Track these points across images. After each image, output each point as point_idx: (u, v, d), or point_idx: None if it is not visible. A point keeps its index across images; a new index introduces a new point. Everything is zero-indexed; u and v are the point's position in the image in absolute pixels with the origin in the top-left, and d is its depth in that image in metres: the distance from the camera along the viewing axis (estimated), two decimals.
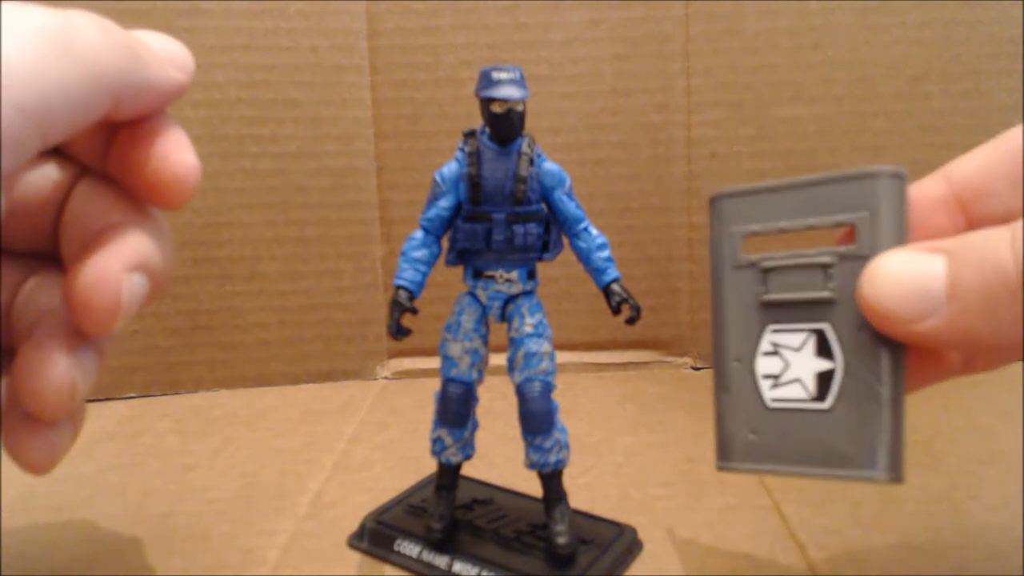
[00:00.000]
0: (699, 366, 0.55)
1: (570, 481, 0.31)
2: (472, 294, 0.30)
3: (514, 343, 0.30)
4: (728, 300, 0.25)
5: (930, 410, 0.44)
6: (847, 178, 0.22)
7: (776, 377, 0.23)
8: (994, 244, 0.19)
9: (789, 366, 0.23)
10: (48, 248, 0.25)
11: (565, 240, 0.30)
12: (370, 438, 0.44)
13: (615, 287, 0.29)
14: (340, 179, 0.53)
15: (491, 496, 0.35)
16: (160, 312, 0.52)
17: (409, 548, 0.31)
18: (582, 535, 0.31)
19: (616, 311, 0.30)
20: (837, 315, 0.22)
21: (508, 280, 0.30)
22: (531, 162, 0.29)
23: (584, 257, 0.30)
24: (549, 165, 0.29)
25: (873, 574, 0.29)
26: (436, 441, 0.31)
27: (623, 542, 0.31)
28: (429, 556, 0.30)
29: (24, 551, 0.33)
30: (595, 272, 0.30)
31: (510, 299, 0.30)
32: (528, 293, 0.30)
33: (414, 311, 0.29)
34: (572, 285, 0.54)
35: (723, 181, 0.53)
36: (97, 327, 0.22)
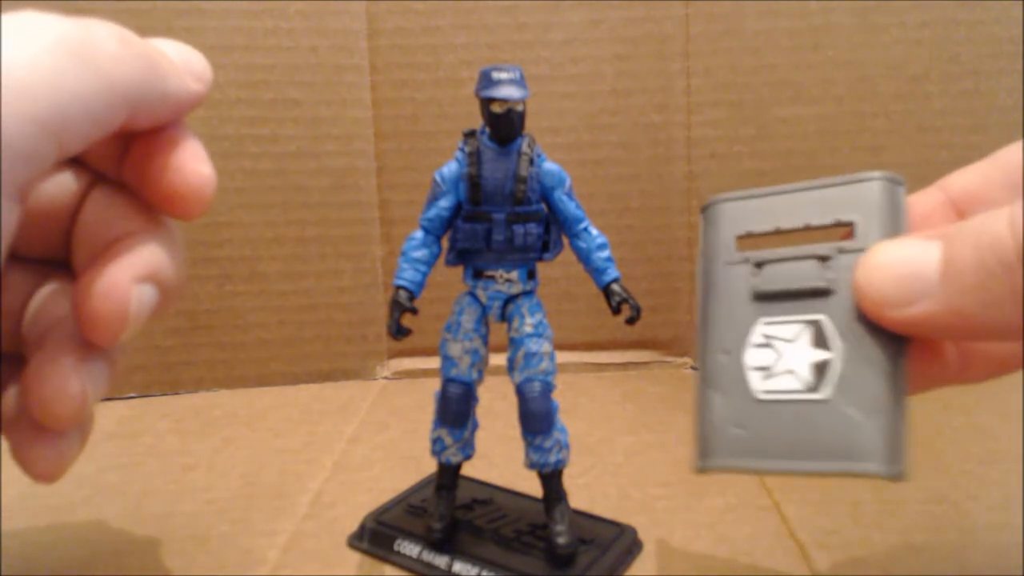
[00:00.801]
0: (699, 366, 0.55)
1: (570, 481, 0.31)
2: (472, 294, 0.30)
3: (514, 343, 0.30)
4: (718, 293, 0.24)
5: (930, 410, 0.44)
6: (844, 182, 0.22)
7: (767, 368, 0.22)
8: (992, 221, 0.18)
9: (782, 357, 0.22)
10: (60, 255, 0.25)
11: (565, 240, 0.30)
12: (370, 438, 0.44)
13: (615, 287, 0.29)
14: (340, 179, 0.53)
15: (491, 496, 0.35)
16: (158, 316, 0.52)
17: (409, 548, 0.31)
18: (582, 535, 0.31)
19: (616, 311, 0.30)
20: (835, 306, 0.22)
21: (508, 280, 0.30)
22: (531, 162, 0.29)
23: (584, 257, 0.30)
24: (549, 165, 0.29)
25: (873, 574, 0.29)
26: (436, 441, 0.31)
27: (623, 542, 0.31)
28: (429, 556, 0.30)
29: (24, 551, 0.33)
30: (595, 272, 0.30)
31: (510, 299, 0.30)
32: (528, 293, 0.30)
33: (414, 311, 0.29)
34: (572, 285, 0.54)
35: (723, 181, 0.53)
36: (104, 338, 0.22)
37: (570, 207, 0.29)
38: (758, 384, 0.22)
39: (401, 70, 0.52)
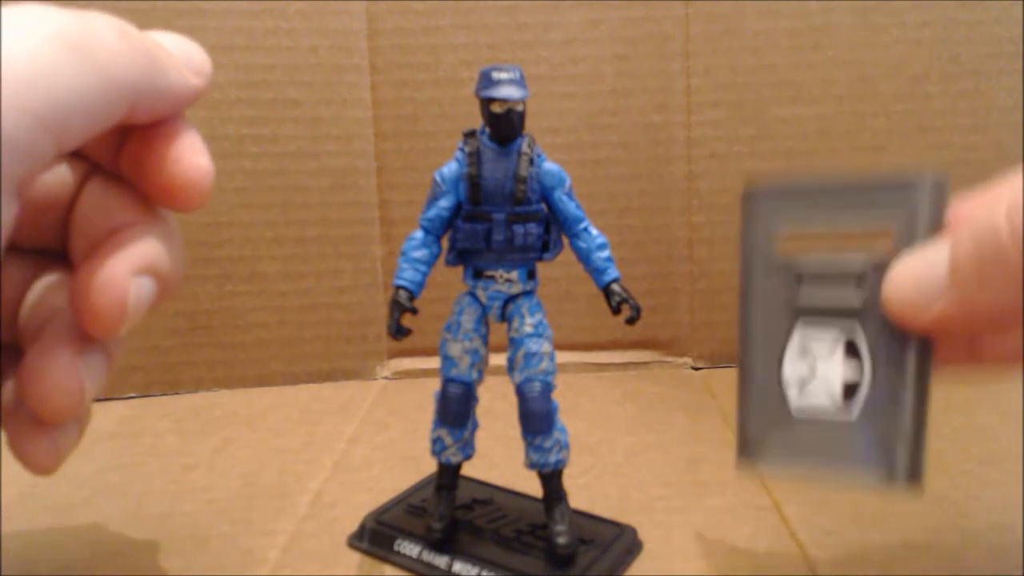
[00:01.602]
0: (699, 366, 0.55)
1: (570, 481, 0.31)
2: (472, 294, 0.30)
3: (514, 343, 0.30)
4: (758, 301, 0.25)
5: (930, 410, 0.43)
6: (888, 183, 0.22)
7: (803, 382, 0.24)
8: (990, 211, 0.19)
9: (816, 372, 0.23)
10: (57, 245, 0.25)
11: (565, 240, 0.30)
12: (370, 438, 0.44)
13: (615, 287, 0.29)
14: (340, 179, 0.53)
15: (491, 496, 0.35)
16: (160, 312, 0.52)
17: (409, 548, 0.31)
18: (582, 535, 0.31)
19: (616, 311, 0.30)
20: (867, 324, 0.22)
21: (508, 280, 0.30)
22: (531, 162, 0.29)
23: (584, 257, 0.30)
24: (549, 165, 0.29)
25: (873, 574, 0.29)
26: (436, 441, 0.31)
27: (623, 542, 0.31)
28: (429, 556, 0.30)
29: (24, 551, 0.33)
30: (595, 272, 0.30)
31: (510, 299, 0.30)
32: (528, 293, 0.30)
33: (414, 311, 0.29)
34: (572, 285, 0.54)
35: (723, 181, 0.53)
36: (102, 331, 0.21)
37: (570, 207, 0.29)
38: (794, 397, 0.24)
39: (401, 70, 0.52)
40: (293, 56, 0.51)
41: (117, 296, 0.21)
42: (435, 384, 0.31)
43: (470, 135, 0.29)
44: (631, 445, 0.42)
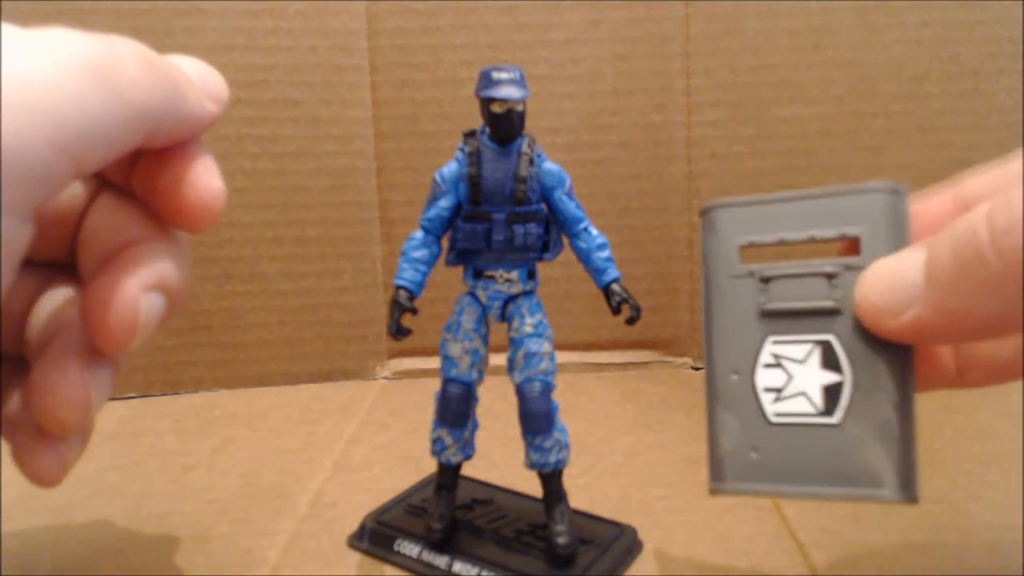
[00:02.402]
0: (699, 366, 0.55)
1: (570, 481, 0.31)
2: (472, 294, 0.30)
3: (514, 343, 0.30)
4: (724, 310, 0.24)
5: (930, 410, 0.43)
6: (847, 192, 0.22)
7: (779, 391, 0.22)
8: (969, 217, 0.19)
9: (792, 379, 0.22)
10: (65, 259, 0.25)
11: (565, 240, 0.30)
12: (370, 438, 0.44)
13: (615, 287, 0.29)
14: (340, 179, 0.53)
15: (491, 496, 0.35)
16: (164, 323, 0.52)
17: (409, 548, 0.31)
18: (582, 535, 0.31)
19: (616, 311, 0.30)
20: (843, 326, 0.22)
21: (508, 280, 0.30)
22: (531, 162, 0.29)
23: (584, 257, 0.30)
24: (549, 165, 0.29)
25: (873, 574, 0.29)
26: (436, 441, 0.31)
27: (623, 542, 0.31)
28: (429, 556, 0.30)
29: (24, 551, 0.33)
30: (595, 272, 0.30)
31: (510, 299, 0.30)
32: (528, 293, 0.30)
33: (414, 311, 0.29)
34: (572, 285, 0.54)
35: (723, 181, 0.53)
36: (113, 346, 0.22)
37: (570, 207, 0.29)
38: (770, 406, 0.22)
39: (401, 70, 0.52)
40: (293, 56, 0.51)
41: (128, 312, 0.21)
42: (435, 384, 0.31)
43: (470, 135, 0.29)
44: (631, 445, 0.42)
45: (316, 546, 0.33)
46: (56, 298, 0.25)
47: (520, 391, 0.30)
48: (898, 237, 0.21)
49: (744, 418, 0.23)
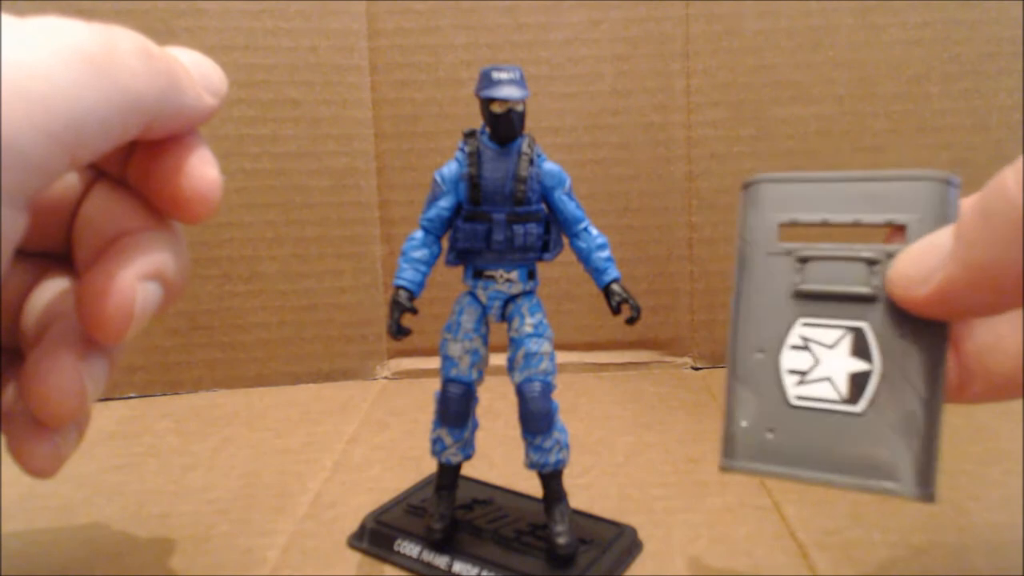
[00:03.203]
0: (699, 366, 0.55)
1: (570, 481, 0.31)
2: (472, 294, 0.30)
3: (514, 343, 0.30)
4: (757, 286, 0.23)
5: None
6: (898, 178, 0.21)
7: (803, 373, 0.22)
8: (999, 176, 0.18)
9: (819, 363, 0.22)
10: (60, 249, 0.25)
11: (565, 240, 0.30)
12: (370, 438, 0.44)
13: (615, 287, 0.29)
14: (340, 179, 0.53)
15: (491, 496, 0.35)
16: (161, 314, 0.52)
17: (409, 548, 0.31)
18: (582, 535, 0.31)
19: (616, 311, 0.30)
20: (878, 315, 0.21)
21: (508, 280, 0.30)
22: (531, 162, 0.29)
23: (584, 257, 0.30)
24: (549, 165, 0.29)
25: (873, 574, 0.29)
26: (436, 441, 0.31)
27: (623, 542, 0.31)
28: (429, 556, 0.30)
29: (24, 551, 0.33)
30: (595, 272, 0.30)
31: (510, 299, 0.30)
32: (528, 293, 0.30)
33: (414, 311, 0.29)
34: (572, 285, 0.54)
35: (723, 181, 0.53)
36: (109, 337, 0.21)
37: (570, 207, 0.29)
38: (792, 389, 0.22)
39: (401, 70, 0.52)
40: (293, 56, 0.51)
41: (124, 302, 0.21)
42: (435, 384, 0.31)
43: (470, 135, 0.29)
44: (631, 445, 0.42)
45: (316, 546, 0.33)
46: (51, 289, 0.25)
47: (520, 391, 0.30)
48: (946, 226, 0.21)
49: (764, 398, 0.22)
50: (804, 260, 0.22)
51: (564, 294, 0.54)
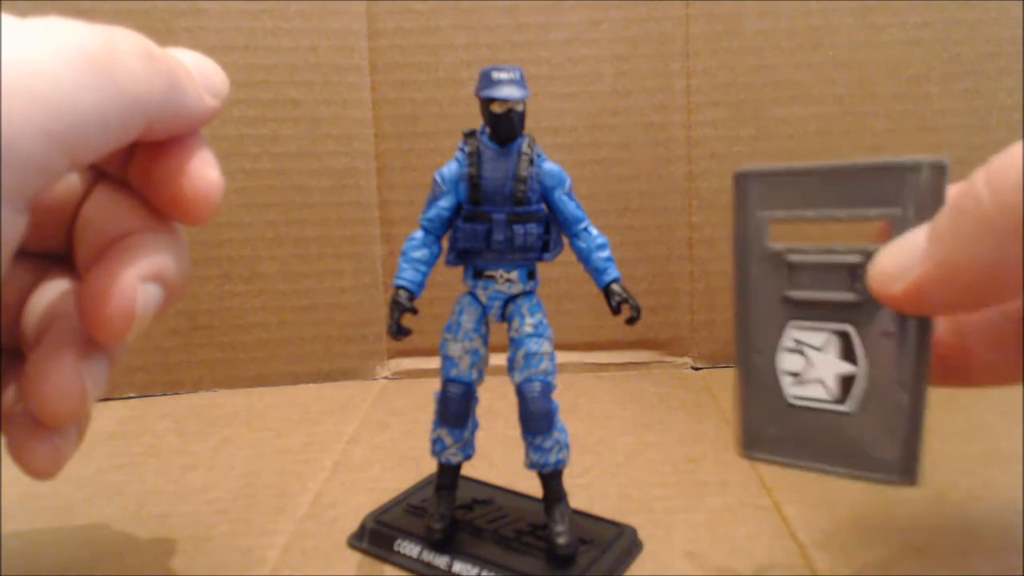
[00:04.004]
0: (699, 366, 0.55)
1: (570, 481, 0.31)
2: (472, 294, 0.30)
3: (514, 343, 0.30)
4: (752, 290, 0.24)
5: (930, 410, 0.43)
6: (887, 166, 0.21)
7: (798, 375, 0.23)
8: (970, 177, 0.18)
9: (812, 365, 0.23)
10: (60, 250, 0.25)
11: (565, 240, 0.30)
12: (370, 438, 0.44)
13: (615, 287, 0.29)
14: (340, 179, 0.53)
15: (491, 496, 0.35)
16: (162, 315, 0.52)
17: (409, 548, 0.31)
18: (582, 535, 0.31)
19: (616, 311, 0.30)
20: (862, 318, 0.22)
21: (508, 280, 0.30)
22: (531, 162, 0.29)
23: (584, 257, 0.30)
24: (549, 165, 0.29)
25: (873, 574, 0.29)
26: (436, 441, 0.31)
27: (623, 542, 0.31)
28: (429, 556, 0.30)
29: (24, 551, 0.33)
30: (595, 272, 0.30)
31: (510, 299, 0.30)
32: (528, 293, 0.30)
33: (414, 311, 0.29)
34: (572, 285, 0.54)
35: (723, 181, 0.53)
36: (109, 337, 0.21)
37: (570, 207, 0.29)
38: (789, 389, 0.23)
39: (401, 70, 0.52)
40: (293, 56, 0.51)
41: (125, 303, 0.21)
42: (435, 384, 0.31)
43: (470, 135, 0.29)
44: (631, 445, 0.42)
45: (316, 546, 0.33)
46: (52, 290, 0.25)
47: (520, 391, 0.30)
48: (931, 218, 0.21)
49: (766, 396, 0.24)
50: (792, 266, 0.23)
51: (564, 294, 0.54)
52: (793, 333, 0.23)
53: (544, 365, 0.30)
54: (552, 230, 0.30)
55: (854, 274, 0.22)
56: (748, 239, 0.24)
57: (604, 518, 0.33)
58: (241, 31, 0.50)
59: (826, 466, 0.23)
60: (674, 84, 0.53)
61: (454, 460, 0.31)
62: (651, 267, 0.54)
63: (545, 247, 0.30)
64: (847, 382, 0.22)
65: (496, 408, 0.43)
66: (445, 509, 0.31)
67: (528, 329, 0.30)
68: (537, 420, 0.29)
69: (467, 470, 0.33)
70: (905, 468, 0.21)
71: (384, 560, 0.31)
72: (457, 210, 0.29)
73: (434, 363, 0.33)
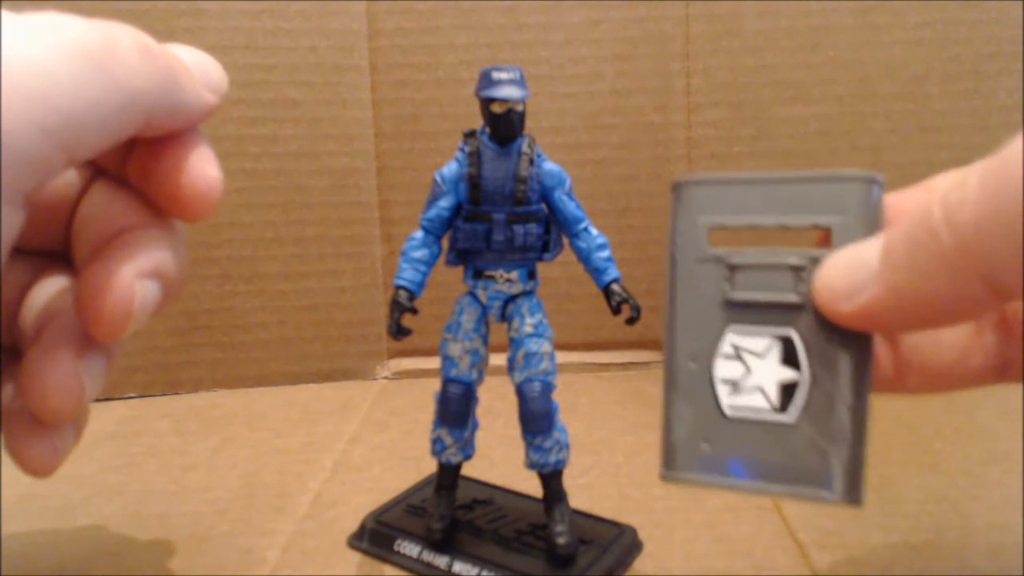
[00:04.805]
0: None
1: (570, 481, 0.31)
2: (472, 294, 0.30)
3: (514, 343, 0.30)
4: (687, 294, 0.23)
5: (930, 410, 0.44)
6: (824, 179, 0.21)
7: (735, 383, 0.22)
8: (926, 198, 0.18)
9: (751, 372, 0.22)
10: (58, 247, 0.25)
11: (565, 240, 0.30)
12: (370, 438, 0.44)
13: (615, 287, 0.29)
14: (340, 179, 0.53)
15: (491, 496, 0.35)
16: (161, 312, 0.52)
17: (409, 548, 0.31)
18: (582, 535, 0.31)
19: (616, 311, 0.30)
20: (805, 322, 0.21)
21: (508, 280, 0.30)
22: (531, 162, 0.29)
23: (584, 257, 0.30)
24: (549, 165, 0.29)
25: (873, 574, 0.29)
26: (436, 441, 0.31)
27: (623, 542, 0.31)
28: (429, 556, 0.30)
29: (24, 551, 0.33)
30: (595, 272, 0.30)
31: (510, 299, 0.30)
32: (528, 293, 0.30)
33: (414, 311, 0.29)
34: (572, 285, 0.54)
35: None
36: (108, 334, 0.21)
37: (570, 207, 0.29)
38: (726, 399, 0.22)
39: (401, 70, 0.52)
40: (293, 56, 0.51)
41: (122, 299, 0.21)
42: (435, 384, 0.31)
43: (470, 135, 0.29)
44: (631, 445, 0.42)
45: (316, 546, 0.33)
46: (50, 287, 0.25)
47: (520, 391, 0.30)
48: (871, 228, 0.21)
49: (699, 408, 0.22)
50: (732, 268, 0.22)
51: (564, 294, 0.54)
52: (732, 338, 0.22)
53: (544, 365, 0.30)
54: (552, 230, 0.30)
55: (798, 276, 0.21)
56: (685, 245, 0.23)
57: (604, 518, 0.33)
58: (241, 31, 0.50)
59: (763, 484, 0.21)
60: (674, 84, 0.53)
61: (454, 460, 0.31)
62: (651, 267, 0.54)
63: (545, 247, 0.30)
64: (789, 390, 0.21)
65: (496, 408, 0.43)
66: (445, 509, 0.31)
67: (528, 329, 0.30)
68: (537, 420, 0.29)
69: (467, 470, 0.33)
70: (847, 486, 0.20)
71: (384, 560, 0.31)
72: (457, 210, 0.29)
73: (434, 363, 0.33)
